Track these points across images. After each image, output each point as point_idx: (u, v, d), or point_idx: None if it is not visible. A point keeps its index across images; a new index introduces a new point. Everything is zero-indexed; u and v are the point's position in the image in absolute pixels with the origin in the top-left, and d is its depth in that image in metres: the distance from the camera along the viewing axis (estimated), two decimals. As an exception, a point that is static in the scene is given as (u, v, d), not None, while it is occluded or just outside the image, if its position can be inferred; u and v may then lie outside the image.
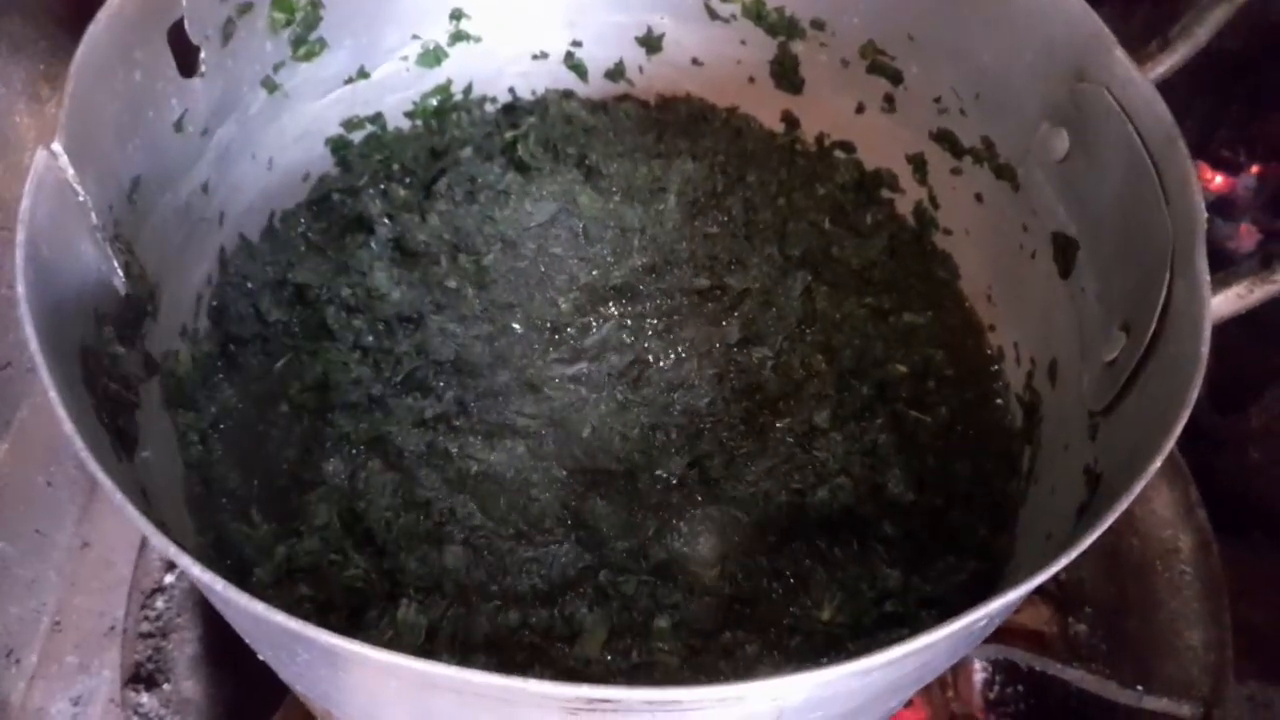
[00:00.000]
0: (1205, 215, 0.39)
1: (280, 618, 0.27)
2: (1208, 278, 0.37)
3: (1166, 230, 0.40)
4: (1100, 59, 0.45)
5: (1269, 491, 0.83)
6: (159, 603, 0.60)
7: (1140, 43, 0.46)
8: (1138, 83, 0.43)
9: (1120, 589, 0.59)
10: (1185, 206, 0.39)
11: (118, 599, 0.73)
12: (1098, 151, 0.46)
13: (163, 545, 0.28)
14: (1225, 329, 0.84)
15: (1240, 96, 0.96)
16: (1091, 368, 0.44)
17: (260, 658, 0.44)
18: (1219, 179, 0.96)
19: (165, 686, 0.56)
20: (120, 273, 0.42)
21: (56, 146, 0.37)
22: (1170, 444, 0.33)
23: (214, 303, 0.55)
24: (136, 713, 0.54)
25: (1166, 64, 0.45)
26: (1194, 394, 0.35)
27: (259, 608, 0.27)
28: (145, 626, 0.58)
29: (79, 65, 0.40)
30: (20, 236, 0.35)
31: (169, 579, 0.61)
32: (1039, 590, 0.63)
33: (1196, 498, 0.59)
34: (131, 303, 0.43)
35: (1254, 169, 0.95)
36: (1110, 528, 0.62)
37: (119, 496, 0.29)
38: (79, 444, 0.30)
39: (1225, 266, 0.82)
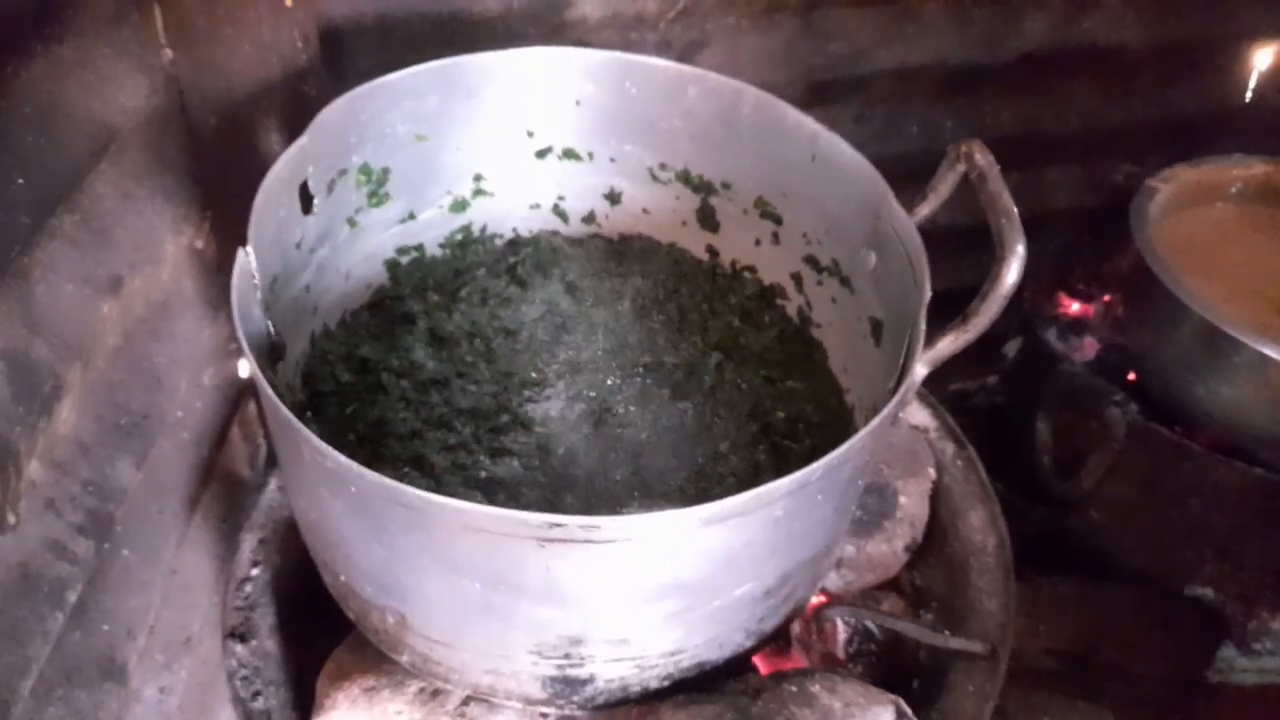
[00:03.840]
0: (930, 294, 0.68)
1: (383, 480, 0.53)
2: (924, 329, 0.65)
3: (911, 306, 0.69)
4: (886, 207, 0.75)
5: (1111, 544, 1.09)
6: (247, 588, 0.85)
7: (910, 197, 0.76)
8: (905, 220, 0.73)
9: (949, 581, 0.85)
10: (921, 292, 0.68)
11: (193, 618, 0.97)
12: (889, 263, 0.75)
13: (315, 441, 0.55)
14: (1059, 409, 1.11)
15: (1090, 244, 1.27)
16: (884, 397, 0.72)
17: (338, 579, 0.69)
18: (1076, 305, 1.26)
19: (253, 642, 0.81)
20: (271, 331, 0.70)
21: (250, 249, 0.66)
22: (892, 411, 0.61)
23: (305, 369, 0.83)
24: (234, 657, 0.79)
25: (925, 211, 0.74)
26: (906, 392, 0.63)
27: (369, 474, 0.53)
28: (238, 603, 0.83)
29: (258, 206, 0.69)
30: (234, 298, 0.63)
31: (254, 572, 0.86)
32: (899, 590, 0.88)
33: (998, 512, 0.86)
34: (275, 350, 0.71)
35: (1105, 299, 1.25)
36: (947, 543, 0.87)
37: (294, 421, 0.56)
38: (278, 404, 0.58)
39: (1078, 385, 1.09)
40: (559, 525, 0.54)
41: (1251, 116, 1.32)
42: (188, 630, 0.96)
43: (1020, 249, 0.63)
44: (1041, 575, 1.06)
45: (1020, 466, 1.11)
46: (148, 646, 0.89)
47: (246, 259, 0.66)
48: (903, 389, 0.64)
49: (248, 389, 1.07)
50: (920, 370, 0.67)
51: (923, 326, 0.66)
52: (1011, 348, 1.22)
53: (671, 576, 0.60)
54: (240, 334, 0.61)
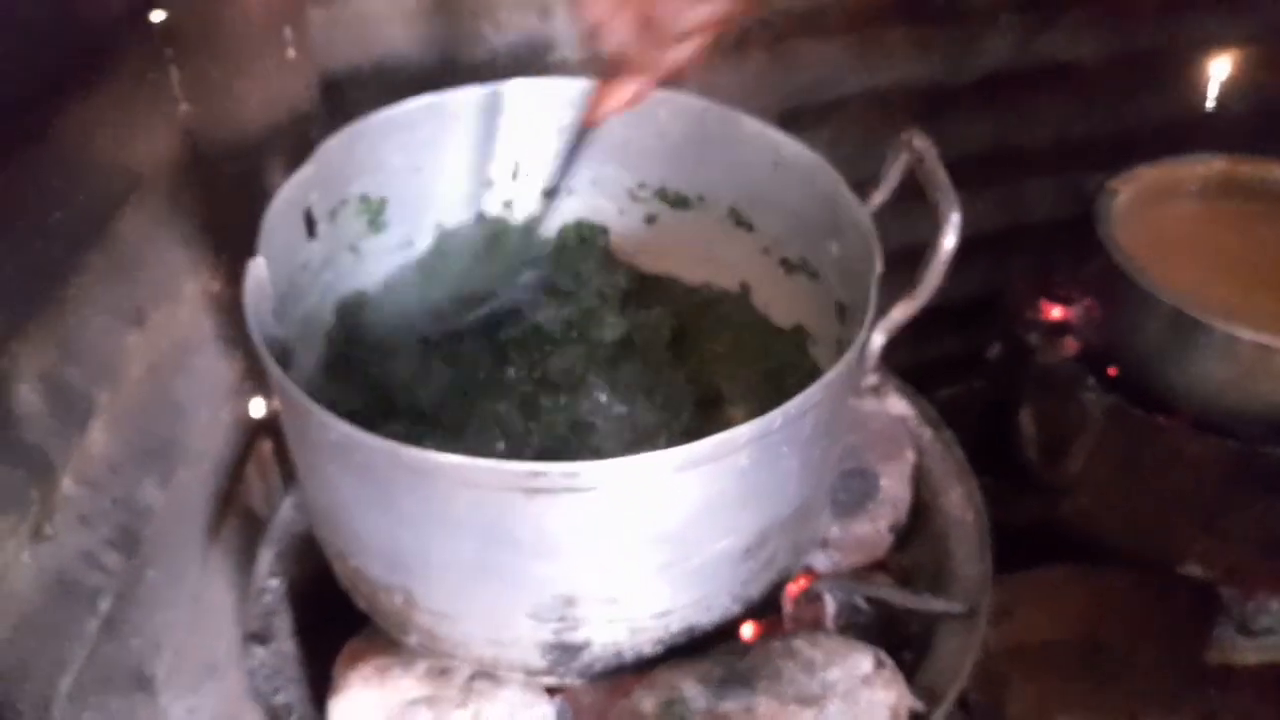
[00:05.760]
0: (881, 269, 0.76)
1: (383, 441, 0.61)
2: (875, 299, 0.73)
3: (868, 281, 0.76)
4: (843, 198, 0.84)
5: (1101, 529, 1.14)
6: (265, 598, 0.92)
7: (862, 184, 0.84)
8: (858, 207, 0.81)
9: (933, 556, 0.91)
10: (872, 268, 0.76)
11: (217, 646, 1.04)
12: (848, 248, 0.84)
13: (324, 414, 0.63)
14: (1040, 400, 1.17)
15: (1068, 251, 1.34)
16: (856, 375, 0.80)
17: (348, 565, 0.76)
18: (1056, 310, 1.33)
19: (272, 644, 0.88)
20: (281, 335, 0.79)
21: (260, 260, 0.75)
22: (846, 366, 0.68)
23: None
24: (254, 658, 0.86)
25: (878, 199, 0.83)
26: (866, 357, 0.71)
27: (370, 438, 0.61)
28: (257, 610, 0.90)
29: (266, 225, 0.78)
30: (247, 300, 0.72)
31: (272, 583, 0.93)
32: (888, 571, 0.94)
33: (975, 487, 0.92)
34: (286, 356, 0.80)
35: (1084, 302, 1.32)
36: (930, 521, 0.93)
37: (303, 397, 0.64)
38: (287, 383, 0.66)
39: (1054, 374, 1.16)
40: (541, 474, 0.61)
41: (1216, 123, 1.41)
42: (213, 657, 1.02)
43: (955, 216, 0.71)
44: (1038, 564, 1.11)
45: (1010, 461, 1.17)
46: (175, 666, 0.95)
47: (258, 267, 0.74)
48: (856, 346, 0.71)
49: (262, 428, 1.15)
50: (877, 338, 0.74)
51: (874, 296, 0.73)
52: (994, 351, 1.29)
53: (652, 527, 0.67)
54: (256, 337, 0.70)
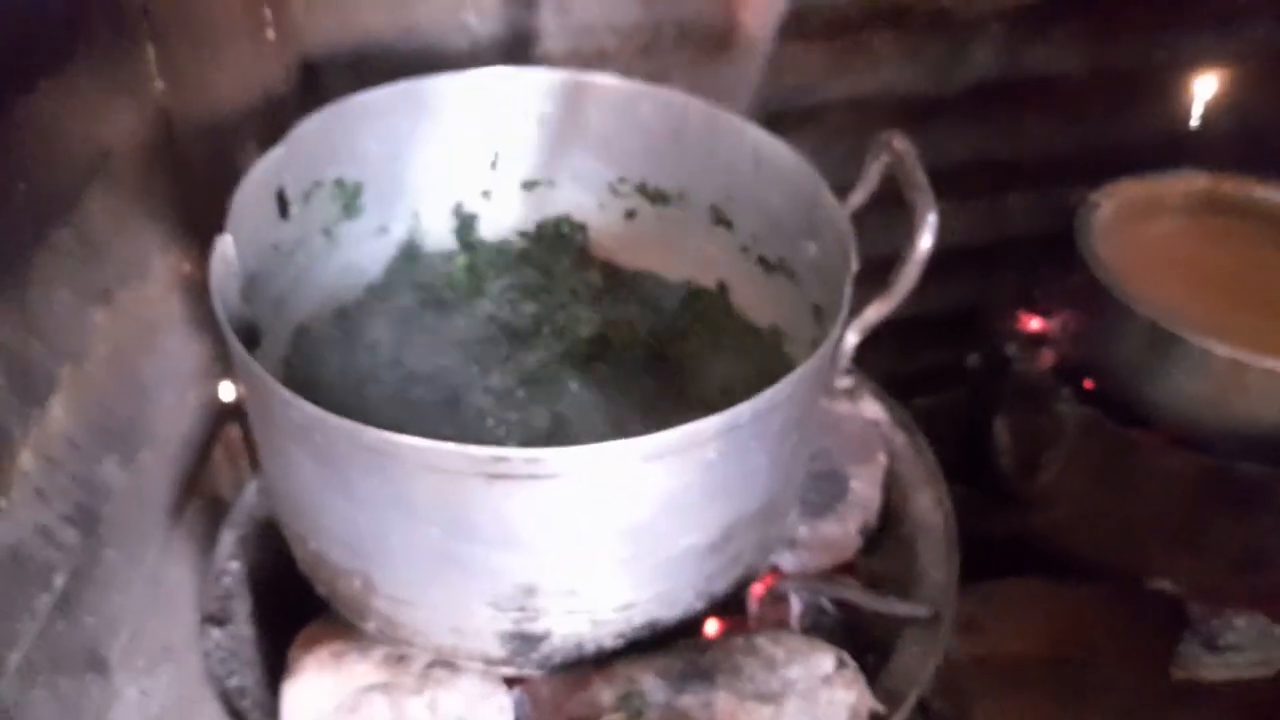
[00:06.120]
0: (856, 268, 0.76)
1: (343, 422, 0.60)
2: (849, 297, 0.73)
3: (843, 281, 0.76)
4: (822, 198, 0.84)
5: (1073, 541, 1.15)
6: (224, 580, 0.91)
7: (843, 190, 0.84)
8: (837, 208, 0.81)
9: (901, 560, 0.91)
10: (848, 267, 0.76)
11: (175, 630, 1.03)
12: (825, 248, 0.84)
13: (285, 393, 0.62)
14: (1014, 411, 1.18)
15: (1049, 265, 1.35)
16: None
17: (308, 548, 0.76)
18: (1035, 323, 1.33)
19: (229, 627, 0.87)
20: (248, 315, 0.78)
21: (228, 237, 0.75)
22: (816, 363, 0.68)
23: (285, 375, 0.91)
24: (210, 639, 0.85)
25: (857, 200, 0.83)
26: (838, 356, 0.71)
27: (330, 418, 0.60)
28: (216, 593, 0.90)
29: (236, 204, 0.78)
30: (213, 277, 0.71)
31: (232, 565, 0.93)
32: (856, 575, 0.94)
33: (945, 492, 0.92)
34: (251, 336, 0.79)
35: (1063, 315, 1.32)
36: (899, 525, 0.94)
37: (265, 376, 0.64)
38: (250, 360, 0.65)
39: (1030, 385, 1.17)
40: (503, 459, 0.61)
41: (1199, 140, 1.42)
42: (170, 640, 1.02)
43: (931, 217, 0.71)
44: (1011, 576, 1.11)
45: (987, 472, 1.17)
46: (130, 648, 0.94)
47: (225, 244, 0.74)
48: (828, 343, 0.71)
49: (230, 413, 1.15)
50: (850, 337, 0.74)
51: (848, 294, 0.74)
52: (974, 360, 1.29)
53: (616, 518, 0.67)
54: (220, 312, 0.69)
